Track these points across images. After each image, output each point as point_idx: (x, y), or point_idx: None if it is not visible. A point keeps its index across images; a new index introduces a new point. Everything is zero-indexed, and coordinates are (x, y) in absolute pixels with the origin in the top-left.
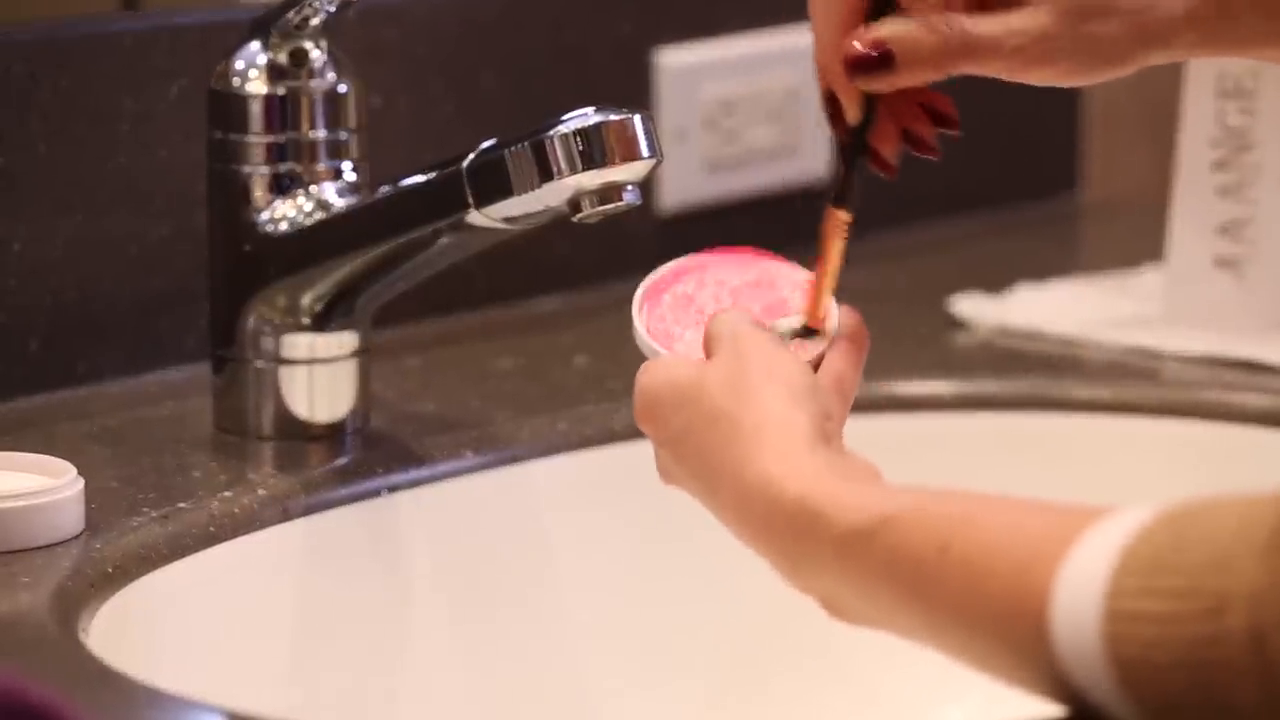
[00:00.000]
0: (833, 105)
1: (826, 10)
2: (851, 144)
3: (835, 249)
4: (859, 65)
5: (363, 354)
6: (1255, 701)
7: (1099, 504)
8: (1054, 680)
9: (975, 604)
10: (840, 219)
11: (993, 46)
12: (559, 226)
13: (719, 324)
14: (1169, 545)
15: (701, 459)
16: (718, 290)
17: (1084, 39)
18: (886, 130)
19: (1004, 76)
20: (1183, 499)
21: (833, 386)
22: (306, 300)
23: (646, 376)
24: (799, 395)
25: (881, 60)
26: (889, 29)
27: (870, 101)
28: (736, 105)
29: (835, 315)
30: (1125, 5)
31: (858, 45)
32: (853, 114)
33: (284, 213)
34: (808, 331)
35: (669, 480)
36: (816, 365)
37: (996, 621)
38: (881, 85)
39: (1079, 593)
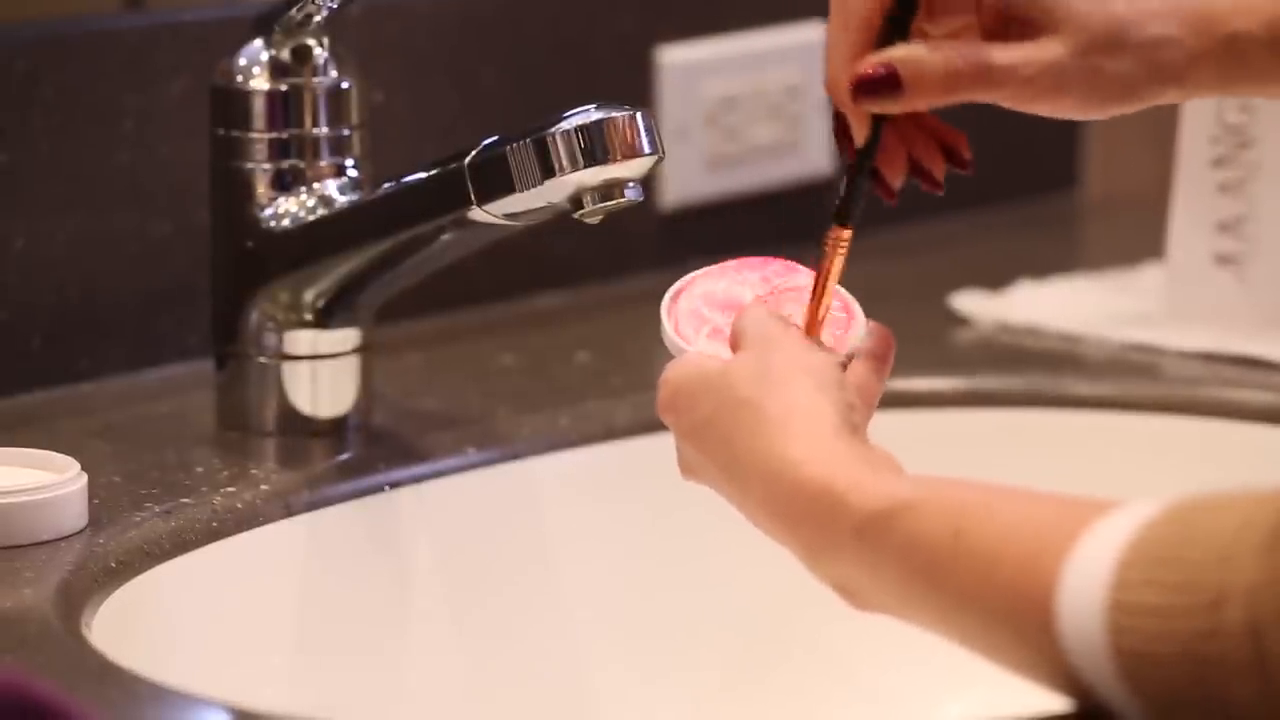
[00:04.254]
0: (841, 126)
1: (840, 33)
2: (857, 164)
3: (834, 265)
4: (866, 86)
5: (365, 350)
6: (1252, 695)
7: (1109, 497)
8: (1060, 670)
9: (985, 591)
10: (841, 236)
11: (1005, 75)
12: (561, 223)
13: (746, 319)
14: (1173, 539)
15: (725, 447)
16: (747, 292)
17: (1096, 73)
18: (897, 157)
19: (1013, 106)
20: (1189, 494)
21: (855, 393)
22: (309, 296)
23: (671, 371)
24: (825, 385)
25: (888, 81)
26: (899, 52)
27: (877, 125)
28: (738, 102)
29: (862, 328)
30: (1138, 41)
31: (866, 67)
32: (860, 136)
33: (286, 209)
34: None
35: (689, 474)
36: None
37: (1005, 610)
38: (888, 107)
39: (1085, 583)
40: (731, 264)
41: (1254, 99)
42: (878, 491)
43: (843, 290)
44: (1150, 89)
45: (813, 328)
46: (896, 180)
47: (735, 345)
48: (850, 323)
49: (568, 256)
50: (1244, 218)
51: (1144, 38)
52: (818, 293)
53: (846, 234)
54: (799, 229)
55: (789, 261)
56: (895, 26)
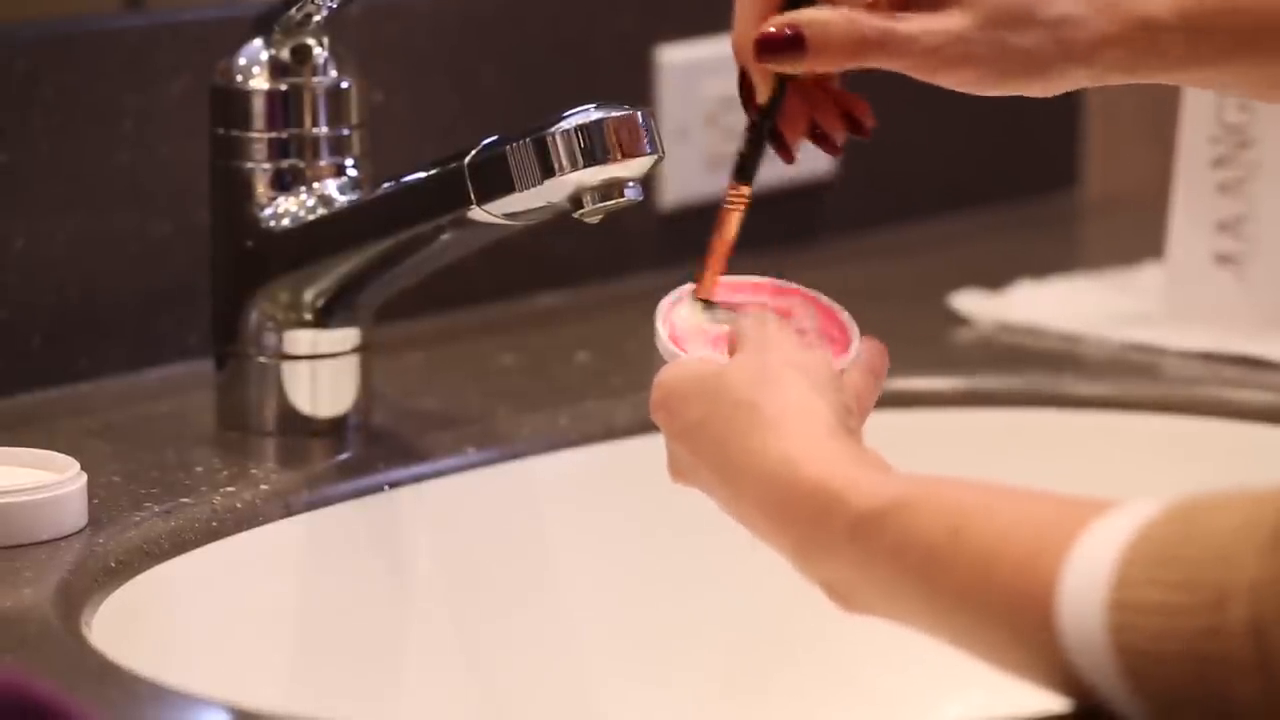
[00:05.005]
0: (746, 86)
1: None
2: (758, 124)
3: (733, 222)
4: (770, 46)
5: (365, 349)
6: (1255, 694)
7: (1108, 497)
8: (1059, 670)
9: (983, 590)
10: (740, 193)
11: (907, 41)
12: (560, 223)
13: (745, 322)
14: (1175, 538)
15: (719, 447)
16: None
17: (1002, 46)
18: (798, 119)
19: (917, 75)
20: (1189, 494)
21: (850, 395)
22: (309, 296)
23: (665, 373)
24: (821, 386)
25: (792, 42)
26: (804, 14)
27: (781, 86)
28: (738, 102)
29: (857, 336)
30: (1046, 18)
31: (771, 27)
32: (762, 94)
33: (286, 209)
34: (707, 305)
35: (679, 476)
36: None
37: (1003, 609)
38: (790, 67)
39: (1085, 582)
40: (724, 279)
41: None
42: (874, 490)
43: (838, 307)
44: (1058, 68)
45: (709, 287)
46: (796, 142)
47: (733, 346)
48: (848, 339)
49: (567, 256)
50: (1244, 217)
51: (1051, 15)
52: (715, 251)
53: (745, 191)
54: (798, 229)
55: (780, 280)
56: None
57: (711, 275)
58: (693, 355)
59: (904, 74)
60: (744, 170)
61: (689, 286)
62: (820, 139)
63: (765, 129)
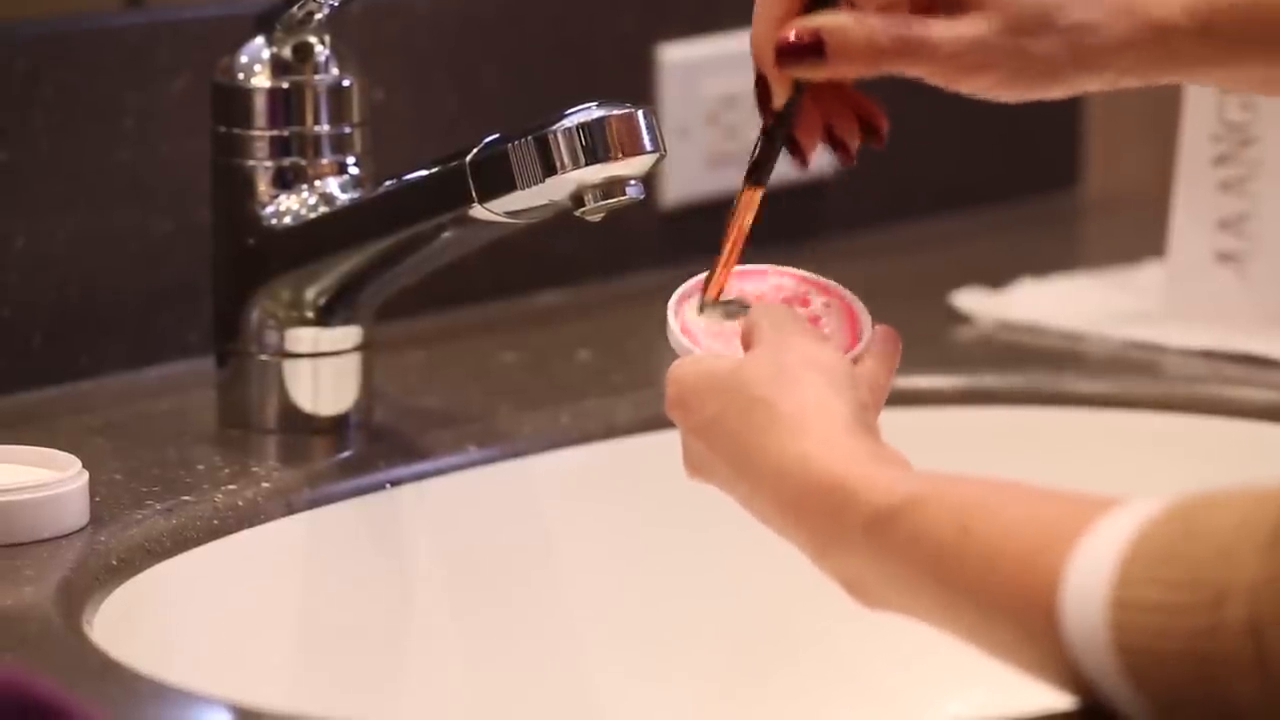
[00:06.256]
0: (763, 89)
1: None
2: (774, 128)
3: (745, 224)
4: (789, 52)
5: (366, 348)
6: (1253, 693)
7: (1111, 495)
8: (1063, 667)
9: (989, 588)
10: (752, 198)
11: (929, 49)
12: (562, 221)
13: (760, 315)
14: (1176, 537)
15: (737, 444)
16: (751, 295)
17: (1020, 53)
18: (813, 125)
19: (936, 82)
20: (1192, 492)
21: (865, 390)
22: (310, 294)
23: (680, 369)
24: (838, 384)
25: (812, 49)
26: (825, 19)
27: (797, 91)
28: (739, 101)
29: (870, 327)
30: (1064, 24)
31: (791, 33)
32: (779, 99)
33: (288, 207)
34: (721, 305)
35: (696, 472)
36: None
37: (1008, 606)
38: (810, 73)
39: (1087, 580)
40: (735, 268)
41: (1255, 96)
42: (888, 488)
43: (849, 294)
44: (1073, 74)
45: (716, 288)
46: (811, 148)
47: (748, 341)
48: (858, 327)
49: (568, 254)
50: (1245, 215)
51: (1070, 22)
52: (726, 254)
53: (758, 195)
54: (799, 228)
55: (789, 268)
56: None
57: (721, 277)
58: (707, 351)
59: (922, 79)
60: (757, 173)
61: (700, 278)
62: (835, 145)
63: (781, 133)
